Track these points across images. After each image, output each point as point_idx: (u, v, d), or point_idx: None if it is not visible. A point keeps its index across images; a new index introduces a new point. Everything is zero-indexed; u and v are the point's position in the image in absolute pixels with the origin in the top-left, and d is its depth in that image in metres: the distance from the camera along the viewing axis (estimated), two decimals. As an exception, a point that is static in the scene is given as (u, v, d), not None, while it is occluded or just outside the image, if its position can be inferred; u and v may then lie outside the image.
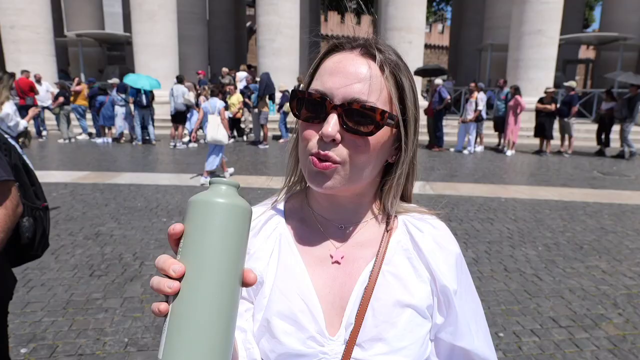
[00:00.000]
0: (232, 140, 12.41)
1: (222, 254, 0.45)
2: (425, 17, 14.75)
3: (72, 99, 12.30)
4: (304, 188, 0.79)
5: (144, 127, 11.62)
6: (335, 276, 0.71)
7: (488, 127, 12.00)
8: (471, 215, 5.58)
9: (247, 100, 11.82)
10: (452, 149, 11.45)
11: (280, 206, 0.79)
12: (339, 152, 0.64)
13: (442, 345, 0.76)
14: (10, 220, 1.59)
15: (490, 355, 0.78)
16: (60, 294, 3.30)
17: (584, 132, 12.69)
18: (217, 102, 7.15)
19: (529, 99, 11.95)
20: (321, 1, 29.01)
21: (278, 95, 12.03)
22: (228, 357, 0.45)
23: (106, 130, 12.05)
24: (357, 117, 0.63)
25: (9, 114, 4.54)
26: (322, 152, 0.64)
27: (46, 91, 12.71)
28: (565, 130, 11.16)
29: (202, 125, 12.11)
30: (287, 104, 11.44)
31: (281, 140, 12.12)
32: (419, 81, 15.08)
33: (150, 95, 11.45)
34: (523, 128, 11.80)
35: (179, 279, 0.45)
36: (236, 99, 11.13)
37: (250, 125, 12.83)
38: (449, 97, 11.36)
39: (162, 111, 13.08)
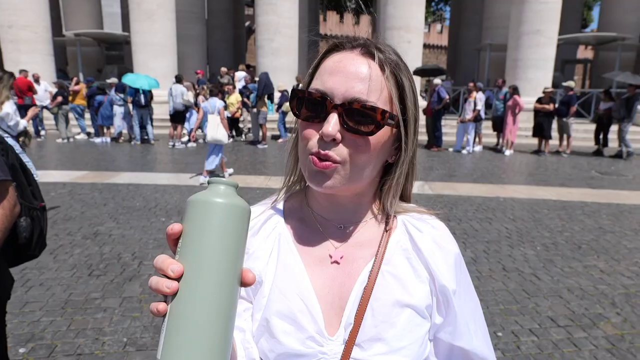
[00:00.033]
0: (231, 139, 12.42)
1: (221, 254, 0.45)
2: (424, 16, 14.76)
3: (70, 98, 12.27)
4: (303, 188, 0.79)
5: (143, 127, 11.60)
6: (335, 276, 0.71)
7: (487, 126, 12.02)
8: (470, 215, 5.59)
9: (245, 99, 11.81)
10: (450, 149, 11.46)
11: (280, 206, 0.78)
12: (339, 152, 0.64)
13: (441, 345, 0.76)
14: (7, 220, 1.59)
15: (489, 355, 0.78)
16: (58, 294, 3.30)
17: (582, 132, 12.71)
18: (217, 102, 7.16)
19: (528, 99, 11.97)
20: (320, 1, 29.00)
21: (277, 95, 12.02)
22: (227, 357, 0.45)
23: (105, 130, 12.03)
24: (358, 116, 0.63)
25: (9, 113, 4.55)
26: (322, 152, 0.64)
27: (44, 91, 12.69)
28: (563, 130, 11.18)
29: (201, 125, 12.15)
30: (286, 104, 11.48)
31: (280, 140, 12.11)
32: (417, 81, 15.10)
33: (148, 94, 11.43)
34: (521, 128, 11.82)
35: (178, 279, 0.44)
36: (234, 98, 11.13)
37: (249, 125, 12.82)
38: (447, 97, 11.37)
39: (160, 111, 13.07)
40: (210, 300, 0.44)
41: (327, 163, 0.64)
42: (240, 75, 13.53)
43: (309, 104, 0.66)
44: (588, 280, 3.78)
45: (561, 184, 7.68)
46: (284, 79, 13.05)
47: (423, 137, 11.56)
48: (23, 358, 2.54)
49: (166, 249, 3.91)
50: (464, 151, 11.17)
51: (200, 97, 11.34)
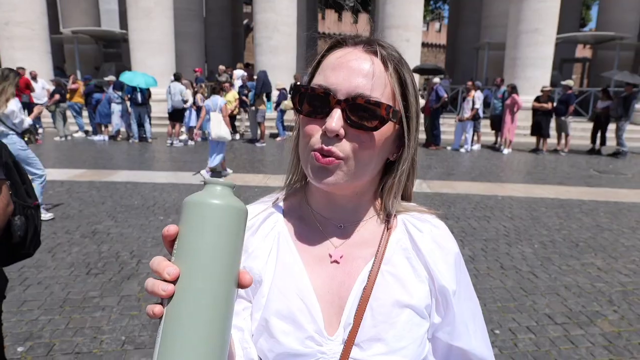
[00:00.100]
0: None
1: (217, 256, 0.45)
2: (423, 15, 14.75)
3: (68, 96, 12.24)
4: (302, 186, 0.79)
5: (141, 125, 11.58)
6: (334, 275, 0.71)
7: (485, 125, 12.03)
8: (468, 213, 5.60)
9: (244, 97, 11.78)
10: (449, 148, 11.47)
11: (279, 204, 0.78)
12: (343, 148, 0.63)
13: (440, 345, 0.76)
14: (0, 219, 1.58)
15: (488, 354, 0.78)
16: (57, 293, 3.30)
17: (581, 130, 12.74)
18: (219, 100, 7.19)
19: (526, 98, 11.98)
20: (318, -1, 28.93)
21: (275, 93, 12.01)
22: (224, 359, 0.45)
23: (102, 128, 12.00)
24: (361, 112, 0.63)
25: (14, 111, 4.57)
26: (325, 147, 0.63)
27: (42, 88, 12.64)
28: (562, 128, 11.19)
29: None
30: (285, 102, 11.46)
31: (278, 139, 12.10)
32: (416, 79, 15.10)
33: (146, 92, 11.40)
34: (520, 126, 11.84)
35: (174, 281, 0.44)
36: (232, 96, 11.11)
37: (247, 123, 12.80)
38: (445, 95, 11.37)
39: (159, 109, 13.03)
40: (206, 303, 0.44)
41: (330, 159, 0.63)
42: (239, 73, 13.51)
43: (312, 100, 0.65)
44: (585, 278, 3.80)
45: (559, 182, 7.70)
46: (282, 77, 13.03)
47: (421, 136, 11.57)
48: (21, 357, 2.54)
49: (164, 248, 3.90)
50: (462, 150, 11.18)
51: (199, 96, 11.32)
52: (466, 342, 0.75)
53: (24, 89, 11.34)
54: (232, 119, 12.04)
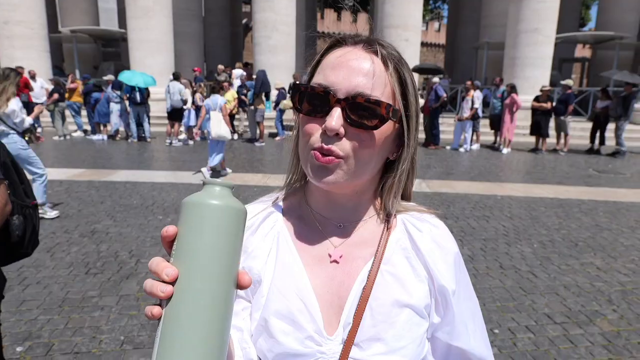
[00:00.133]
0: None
1: (216, 258, 0.44)
2: (422, 14, 14.75)
3: (67, 95, 12.22)
4: (302, 185, 0.79)
5: (140, 124, 11.57)
6: (334, 275, 0.70)
7: (484, 125, 12.04)
8: (467, 213, 5.60)
9: (243, 97, 11.78)
10: (448, 147, 11.47)
11: (278, 204, 0.78)
12: (343, 147, 0.63)
13: (439, 345, 0.76)
14: None
15: (487, 354, 0.78)
16: (55, 292, 3.29)
17: (580, 130, 12.75)
18: (219, 99, 7.20)
19: (525, 97, 11.99)
20: (318, -2, 28.92)
21: (274, 93, 12.00)
22: None
23: (101, 128, 11.99)
24: (361, 110, 0.63)
25: (15, 110, 4.60)
26: (325, 146, 0.63)
27: (40, 87, 12.62)
28: (561, 128, 11.20)
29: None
30: (284, 101, 11.45)
31: (277, 138, 12.10)
32: (415, 78, 15.10)
33: (145, 92, 11.38)
34: (519, 126, 11.84)
35: (172, 282, 0.44)
36: (231, 95, 11.11)
37: (246, 123, 12.79)
38: (445, 95, 11.38)
39: (157, 108, 13.03)
40: (205, 304, 0.43)
41: (330, 158, 0.63)
42: (237, 72, 13.50)
43: (311, 99, 0.65)
44: (585, 277, 3.80)
45: (558, 182, 7.70)
46: (281, 76, 13.02)
47: (421, 135, 11.56)
48: (20, 357, 2.53)
49: (163, 247, 3.90)
50: (462, 149, 11.19)
51: (198, 95, 11.31)
52: (465, 342, 0.75)
53: (22, 88, 11.30)
54: (231, 118, 12.05)
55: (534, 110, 10.94)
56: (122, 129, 12.04)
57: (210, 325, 0.43)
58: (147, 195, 6.07)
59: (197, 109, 11.86)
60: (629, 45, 16.97)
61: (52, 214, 5.02)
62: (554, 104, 11.03)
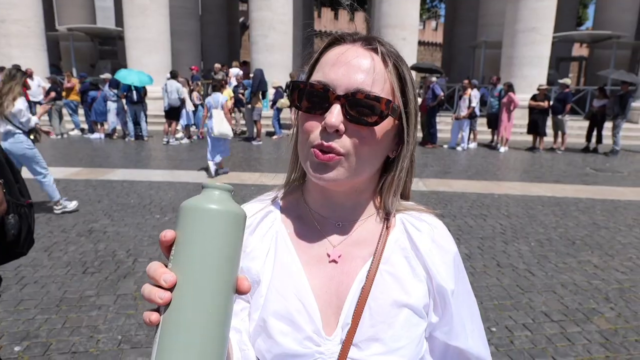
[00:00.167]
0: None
1: (216, 264, 0.44)
2: (419, 13, 14.75)
3: (64, 94, 12.18)
4: (300, 184, 0.78)
5: (137, 123, 11.54)
6: (332, 275, 0.70)
7: (481, 124, 12.04)
8: (464, 212, 5.61)
9: (240, 95, 11.76)
10: (445, 146, 11.48)
11: (277, 202, 0.78)
12: (343, 144, 0.63)
13: (437, 344, 0.76)
14: None
15: (485, 353, 0.78)
16: (53, 292, 3.28)
17: (577, 129, 12.79)
18: (220, 97, 7.21)
19: (523, 96, 12.01)
20: (315, -3, 28.90)
21: (271, 92, 11.98)
22: None
23: (98, 126, 11.95)
24: (361, 107, 0.63)
25: (22, 109, 4.64)
26: (325, 144, 0.63)
27: (38, 86, 12.58)
28: (558, 127, 11.23)
29: (195, 122, 12.13)
30: (281, 100, 11.44)
31: (274, 137, 12.09)
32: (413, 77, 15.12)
33: (142, 91, 11.35)
34: (516, 125, 11.86)
35: (171, 289, 0.43)
36: (227, 93, 11.09)
37: (242, 122, 12.77)
38: (442, 93, 11.39)
39: (154, 107, 13.00)
40: (204, 310, 0.43)
41: (330, 155, 0.63)
42: (234, 71, 13.48)
43: (311, 96, 0.65)
44: (582, 275, 3.81)
45: (556, 180, 7.72)
46: (278, 75, 13.01)
47: (418, 134, 11.56)
48: (18, 356, 2.52)
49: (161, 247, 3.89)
50: (459, 148, 11.20)
51: (195, 94, 11.28)
52: (463, 342, 0.75)
53: (19, 87, 11.27)
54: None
55: (531, 109, 10.96)
56: (119, 127, 12.01)
57: (209, 332, 0.43)
58: (144, 194, 6.06)
59: (195, 107, 11.85)
60: (626, 44, 17.01)
61: (72, 205, 5.14)
62: (551, 102, 11.05)
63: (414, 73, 14.67)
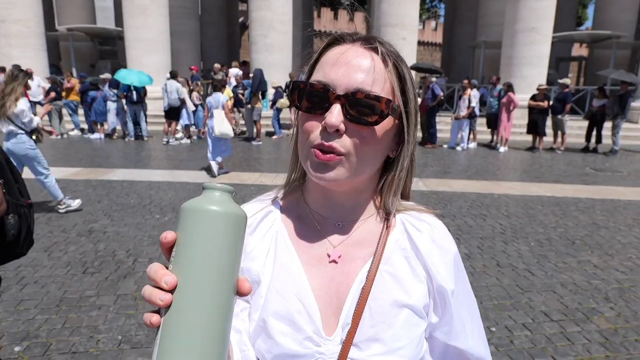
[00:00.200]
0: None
1: (216, 266, 0.44)
2: (419, 13, 14.76)
3: (64, 94, 12.18)
4: (300, 184, 0.78)
5: (137, 123, 11.54)
6: (333, 276, 0.70)
7: (481, 123, 12.05)
8: (464, 212, 5.61)
9: (240, 95, 11.76)
10: (445, 146, 11.49)
11: (277, 202, 0.77)
12: (343, 143, 0.63)
13: (437, 344, 0.76)
14: None
15: (485, 353, 0.78)
16: (53, 292, 3.28)
17: (577, 128, 12.79)
18: (221, 97, 7.22)
19: (522, 96, 12.01)
20: (315, -3, 28.90)
21: (271, 92, 11.98)
22: None
23: (98, 126, 11.95)
24: (361, 106, 0.63)
25: (24, 110, 4.68)
26: (326, 143, 0.63)
27: (37, 86, 12.58)
28: (558, 127, 11.23)
29: (195, 122, 12.12)
30: (281, 100, 11.44)
31: (274, 137, 12.09)
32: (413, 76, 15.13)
33: (142, 91, 11.35)
34: (516, 125, 11.87)
35: (171, 290, 0.43)
36: (227, 93, 11.09)
37: (242, 122, 12.76)
38: (441, 93, 11.39)
39: (154, 107, 13.00)
40: (205, 313, 0.43)
41: (331, 155, 0.63)
42: (234, 72, 13.48)
43: (311, 96, 0.65)
44: (582, 275, 3.81)
45: (555, 180, 7.72)
46: (278, 75, 13.01)
47: (417, 134, 11.55)
48: (18, 356, 2.52)
49: (161, 247, 3.89)
50: (459, 148, 11.20)
51: (195, 94, 11.28)
52: (463, 342, 0.75)
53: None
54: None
55: (531, 109, 10.96)
56: (119, 127, 12.01)
57: (210, 335, 0.43)
58: (144, 194, 6.06)
59: (195, 107, 11.85)
60: (626, 44, 17.02)
61: (75, 203, 5.16)
62: (551, 102, 11.05)
63: (413, 73, 14.69)
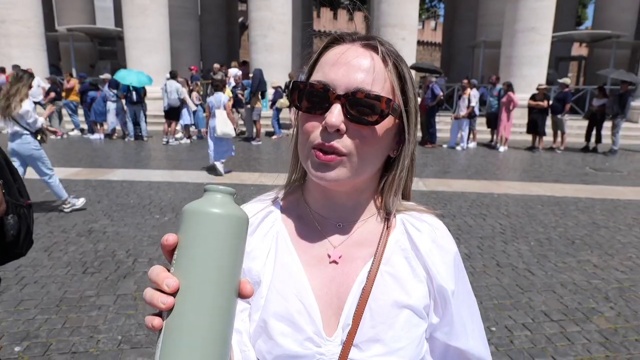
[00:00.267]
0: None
1: (218, 268, 0.43)
2: (418, 13, 14.76)
3: (63, 94, 12.17)
4: (301, 184, 0.78)
5: (136, 123, 11.54)
6: (333, 276, 0.70)
7: (481, 123, 12.06)
8: (464, 211, 5.61)
9: (240, 95, 11.75)
10: (445, 145, 11.49)
11: (277, 202, 0.77)
12: (344, 143, 0.63)
13: (437, 345, 0.76)
14: None
15: (485, 353, 0.78)
16: (53, 292, 3.28)
17: (577, 128, 12.79)
18: (222, 97, 7.23)
19: (522, 96, 12.01)
20: (314, -3, 28.89)
21: (271, 92, 11.98)
22: None
23: (98, 126, 11.95)
24: (361, 106, 0.62)
25: (29, 111, 4.72)
26: (326, 144, 0.62)
27: (37, 86, 12.55)
28: (557, 126, 11.24)
29: (195, 122, 12.11)
30: (280, 100, 11.44)
31: (274, 137, 12.09)
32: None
33: (142, 91, 11.35)
34: (516, 124, 11.87)
35: (173, 293, 0.43)
36: (227, 93, 11.09)
37: (241, 122, 12.77)
38: (441, 93, 11.39)
39: (154, 107, 13.00)
40: (207, 315, 0.43)
41: (332, 156, 0.63)
42: (233, 72, 13.47)
43: (311, 96, 0.65)
44: (582, 275, 3.82)
45: (555, 180, 7.73)
46: (278, 75, 13.01)
47: (418, 134, 11.55)
48: (18, 357, 2.53)
49: (161, 246, 3.89)
50: (458, 147, 11.21)
51: (194, 94, 11.27)
52: (464, 342, 0.75)
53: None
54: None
55: (531, 109, 10.96)
56: (118, 127, 12.01)
57: (212, 337, 0.43)
58: (144, 195, 6.06)
59: (195, 107, 11.84)
60: (626, 43, 17.02)
61: (80, 202, 5.20)
62: (551, 102, 11.06)
63: (413, 73, 14.69)
